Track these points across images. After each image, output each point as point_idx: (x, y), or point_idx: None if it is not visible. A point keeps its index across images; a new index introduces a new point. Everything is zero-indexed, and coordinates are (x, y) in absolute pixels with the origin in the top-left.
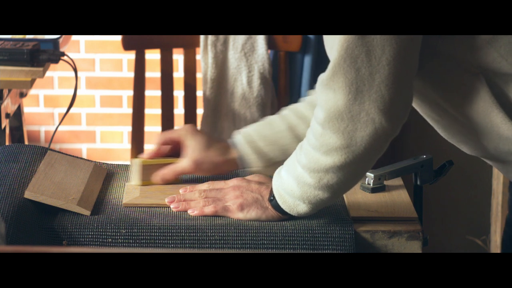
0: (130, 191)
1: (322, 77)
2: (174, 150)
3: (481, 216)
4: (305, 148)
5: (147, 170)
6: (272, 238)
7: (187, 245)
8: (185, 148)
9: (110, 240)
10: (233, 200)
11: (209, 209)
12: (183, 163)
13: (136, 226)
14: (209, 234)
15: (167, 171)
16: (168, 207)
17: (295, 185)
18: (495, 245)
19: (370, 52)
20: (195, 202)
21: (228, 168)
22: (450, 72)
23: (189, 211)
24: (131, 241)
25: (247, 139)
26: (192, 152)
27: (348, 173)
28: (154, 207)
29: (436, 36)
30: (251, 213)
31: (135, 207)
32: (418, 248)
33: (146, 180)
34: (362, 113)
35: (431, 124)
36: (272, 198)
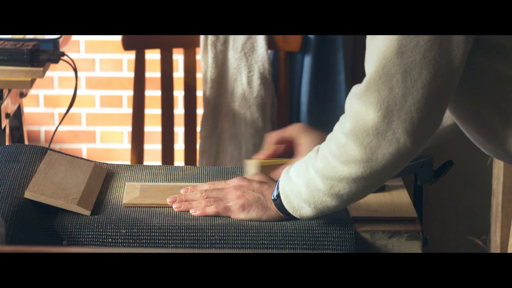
0: (130, 191)
1: (355, 90)
2: (287, 149)
3: (481, 216)
4: (322, 153)
5: (263, 171)
6: (272, 238)
7: (187, 245)
8: (298, 147)
9: (110, 240)
10: (234, 200)
11: (211, 209)
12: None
13: (136, 226)
14: (209, 234)
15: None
16: (168, 207)
17: (304, 188)
18: (495, 245)
19: (406, 73)
20: (197, 202)
21: None
22: (502, 87)
23: (191, 211)
24: (131, 241)
25: None
26: (306, 150)
27: (361, 186)
28: (154, 207)
29: (485, 54)
30: (251, 213)
31: (135, 207)
32: (418, 248)
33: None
34: (389, 131)
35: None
36: (276, 197)
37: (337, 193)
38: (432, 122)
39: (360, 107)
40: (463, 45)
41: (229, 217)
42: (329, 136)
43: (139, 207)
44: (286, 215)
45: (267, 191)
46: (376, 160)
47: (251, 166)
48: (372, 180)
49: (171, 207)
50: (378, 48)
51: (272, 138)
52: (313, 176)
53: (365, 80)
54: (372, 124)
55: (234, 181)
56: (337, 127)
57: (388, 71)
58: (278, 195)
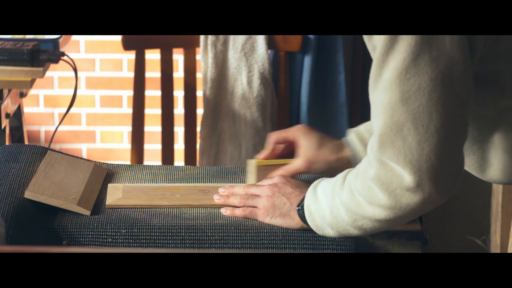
0: (113, 192)
1: (372, 142)
2: (288, 150)
3: (481, 216)
4: (349, 186)
5: (263, 171)
6: (272, 238)
7: (187, 245)
8: (299, 148)
9: (110, 240)
10: (262, 202)
11: (239, 212)
12: (297, 163)
13: (136, 226)
14: (209, 234)
15: (282, 172)
16: (168, 207)
17: (328, 213)
18: (495, 245)
19: (416, 120)
20: (233, 197)
21: (341, 166)
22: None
23: (222, 210)
24: (131, 241)
25: (359, 137)
26: (306, 152)
27: (384, 225)
28: (137, 208)
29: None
30: (273, 220)
31: (121, 208)
32: (418, 248)
33: (261, 181)
34: (413, 183)
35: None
36: (300, 208)
37: (361, 227)
38: (454, 164)
39: (380, 163)
40: (463, 74)
41: (256, 219)
42: (355, 170)
43: (123, 208)
44: (308, 227)
45: (294, 199)
46: (401, 208)
47: (250, 166)
48: (396, 222)
49: (157, 208)
50: (381, 100)
51: (273, 138)
52: (337, 205)
53: (377, 134)
54: (393, 177)
55: (274, 180)
56: (362, 166)
57: (397, 121)
58: (303, 207)
